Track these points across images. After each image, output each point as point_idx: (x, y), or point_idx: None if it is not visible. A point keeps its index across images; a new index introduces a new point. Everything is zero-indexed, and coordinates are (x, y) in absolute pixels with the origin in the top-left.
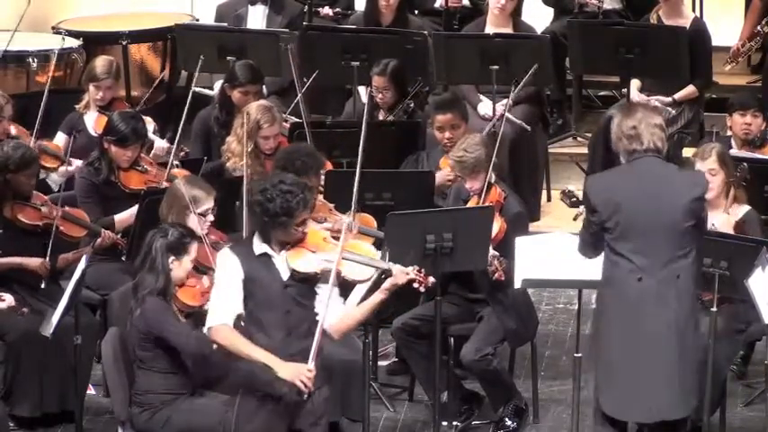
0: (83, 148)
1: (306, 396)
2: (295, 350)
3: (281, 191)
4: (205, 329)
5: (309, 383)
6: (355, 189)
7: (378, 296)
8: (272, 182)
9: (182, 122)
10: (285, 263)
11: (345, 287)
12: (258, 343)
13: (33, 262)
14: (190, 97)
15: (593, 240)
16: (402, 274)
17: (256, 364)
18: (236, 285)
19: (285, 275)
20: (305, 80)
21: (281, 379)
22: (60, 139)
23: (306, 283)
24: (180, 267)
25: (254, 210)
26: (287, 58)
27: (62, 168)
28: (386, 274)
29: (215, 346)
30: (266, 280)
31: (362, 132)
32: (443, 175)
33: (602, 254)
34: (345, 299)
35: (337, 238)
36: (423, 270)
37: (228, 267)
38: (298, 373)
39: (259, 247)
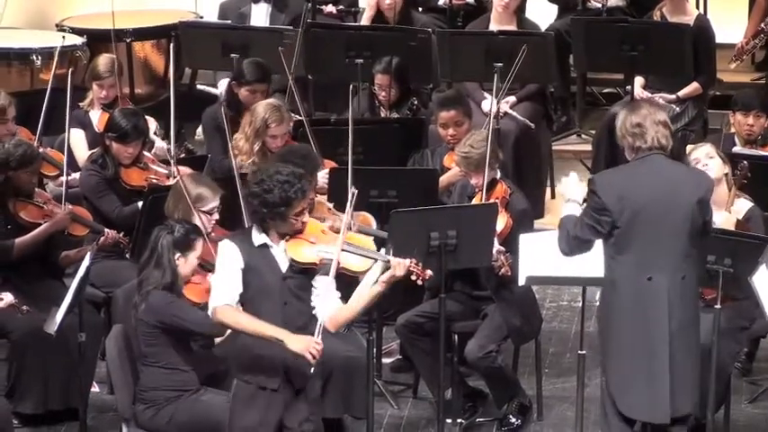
0: (91, 145)
1: (312, 369)
2: None
3: (278, 181)
4: (209, 311)
5: (318, 355)
6: (349, 188)
7: (376, 289)
8: (268, 173)
9: (172, 119)
10: (284, 254)
11: (346, 281)
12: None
13: (59, 220)
14: (172, 94)
15: (588, 242)
16: (401, 266)
17: (266, 338)
18: (236, 272)
19: (284, 267)
20: (309, 77)
21: (275, 363)
22: (78, 135)
23: (305, 275)
24: (186, 264)
25: (251, 202)
26: (280, 59)
27: (61, 179)
28: (384, 265)
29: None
30: (265, 270)
31: (350, 131)
32: (456, 172)
33: (605, 254)
34: (344, 293)
35: (336, 232)
36: (420, 263)
37: (228, 255)
38: (307, 345)
39: (258, 237)
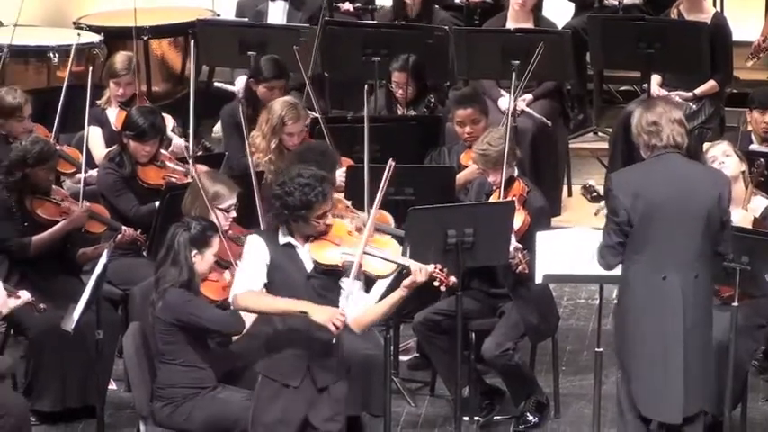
0: (107, 142)
1: (333, 340)
2: (314, 341)
3: (299, 184)
4: (230, 299)
5: (341, 326)
6: (366, 187)
7: (398, 293)
8: (290, 175)
9: (191, 117)
10: (309, 254)
11: (367, 282)
12: (277, 329)
13: (76, 218)
14: (192, 92)
15: (618, 245)
16: (422, 271)
17: (290, 314)
18: (261, 264)
19: (309, 267)
20: (325, 74)
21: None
22: (95, 133)
23: (329, 276)
24: (203, 261)
25: (274, 204)
26: (296, 58)
27: (78, 176)
28: (406, 270)
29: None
30: (290, 269)
31: (366, 130)
32: (473, 170)
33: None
34: (368, 293)
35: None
36: (445, 269)
37: (255, 248)
38: (331, 316)
39: (283, 238)
